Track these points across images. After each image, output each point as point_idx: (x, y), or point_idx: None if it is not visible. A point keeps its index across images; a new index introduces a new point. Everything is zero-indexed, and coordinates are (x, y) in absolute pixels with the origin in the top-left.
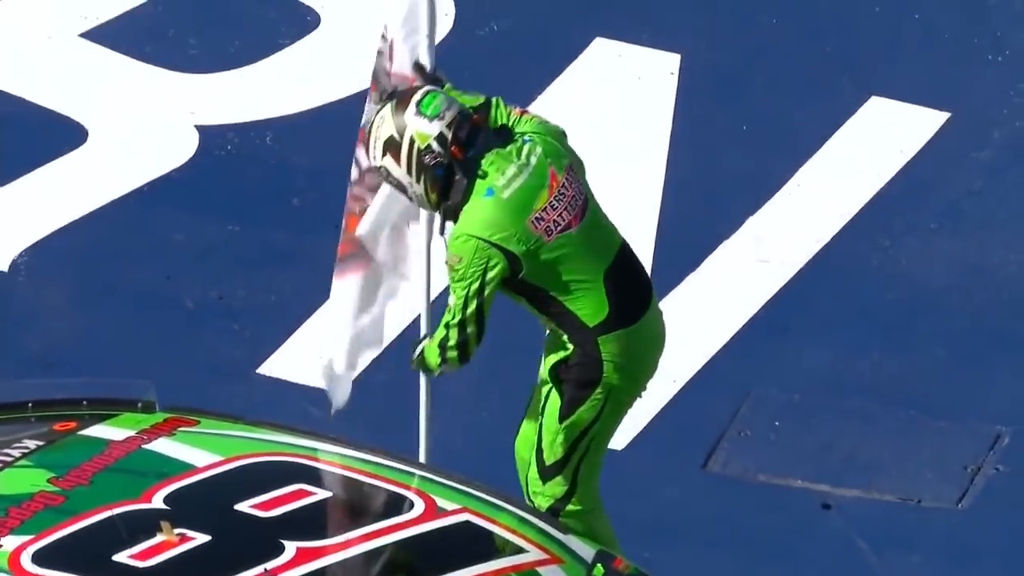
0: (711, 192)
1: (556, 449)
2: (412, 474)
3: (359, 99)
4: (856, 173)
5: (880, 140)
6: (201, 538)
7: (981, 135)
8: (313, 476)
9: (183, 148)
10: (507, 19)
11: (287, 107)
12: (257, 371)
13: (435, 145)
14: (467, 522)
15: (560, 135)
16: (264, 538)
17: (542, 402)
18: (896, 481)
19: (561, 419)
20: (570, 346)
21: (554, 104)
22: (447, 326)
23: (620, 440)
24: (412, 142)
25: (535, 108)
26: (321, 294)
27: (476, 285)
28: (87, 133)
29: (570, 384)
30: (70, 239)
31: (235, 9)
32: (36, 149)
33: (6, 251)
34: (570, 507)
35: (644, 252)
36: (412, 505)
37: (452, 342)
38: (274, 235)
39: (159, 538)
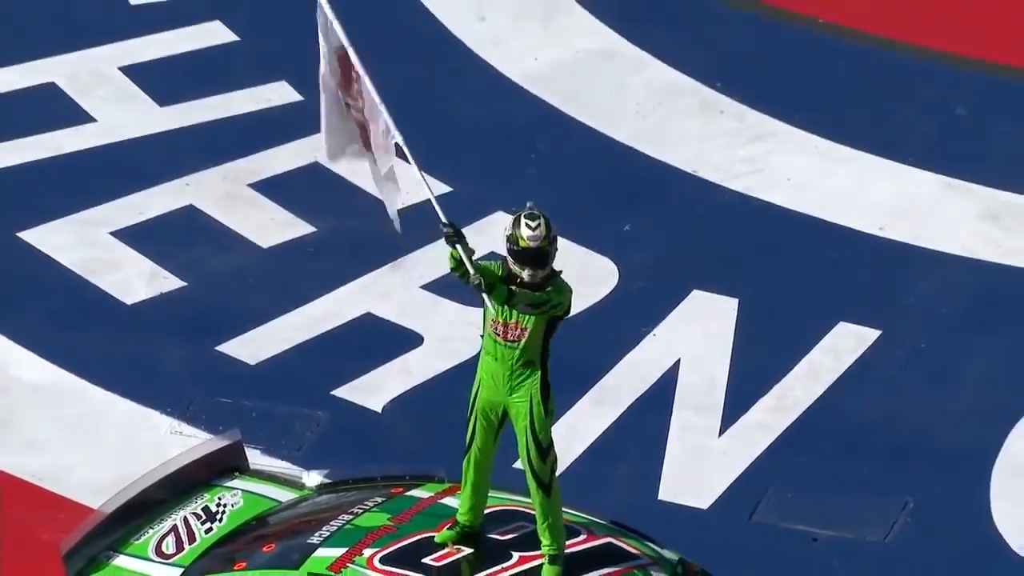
0: None
1: (547, 431)
2: (576, 516)
3: None
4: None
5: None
6: (467, 550)
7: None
8: (529, 517)
9: None
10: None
11: None
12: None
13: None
14: (610, 542)
15: None
16: (500, 551)
17: (526, 413)
18: (854, 527)
19: (546, 413)
20: (538, 370)
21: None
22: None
23: (705, 501)
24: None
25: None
26: None
27: (553, 300)
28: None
29: (541, 391)
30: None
31: None
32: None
33: (384, 398)
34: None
35: None
36: (579, 533)
37: (515, 301)
38: None
39: (446, 550)
